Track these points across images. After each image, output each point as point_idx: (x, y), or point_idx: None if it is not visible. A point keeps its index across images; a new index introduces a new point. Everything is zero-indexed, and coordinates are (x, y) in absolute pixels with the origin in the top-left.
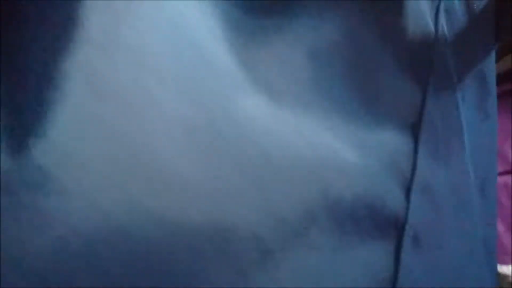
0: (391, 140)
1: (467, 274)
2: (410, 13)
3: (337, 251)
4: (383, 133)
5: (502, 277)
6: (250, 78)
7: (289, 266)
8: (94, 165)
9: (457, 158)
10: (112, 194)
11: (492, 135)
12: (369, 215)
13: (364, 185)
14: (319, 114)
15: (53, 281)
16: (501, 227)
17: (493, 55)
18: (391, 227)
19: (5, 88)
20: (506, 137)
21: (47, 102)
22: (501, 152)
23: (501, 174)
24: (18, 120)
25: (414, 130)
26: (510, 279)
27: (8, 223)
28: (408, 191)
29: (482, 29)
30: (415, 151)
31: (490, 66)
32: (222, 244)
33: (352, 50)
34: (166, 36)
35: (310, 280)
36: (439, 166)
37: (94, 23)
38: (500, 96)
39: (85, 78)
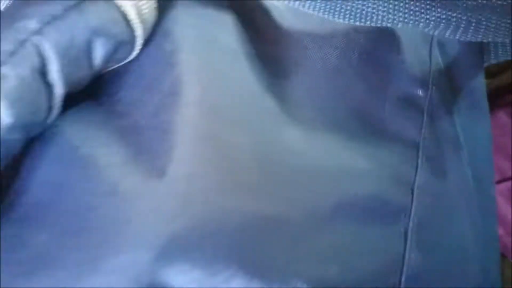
0: (395, 153)
1: (471, 257)
2: (408, 49)
3: (356, 233)
4: (389, 147)
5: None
6: (286, 114)
7: (319, 242)
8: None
9: (454, 163)
10: (220, 198)
11: (486, 130)
12: (380, 207)
13: (375, 187)
14: (340, 136)
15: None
16: None
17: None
18: (400, 216)
19: (129, 138)
20: None
21: (162, 147)
22: None
23: None
24: (137, 161)
25: (415, 144)
26: None
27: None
28: (412, 190)
29: (473, 54)
30: (416, 161)
31: (478, 78)
32: (276, 225)
33: (362, 83)
34: (234, 93)
35: (334, 254)
36: (438, 171)
37: (191, 90)
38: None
39: (189, 127)
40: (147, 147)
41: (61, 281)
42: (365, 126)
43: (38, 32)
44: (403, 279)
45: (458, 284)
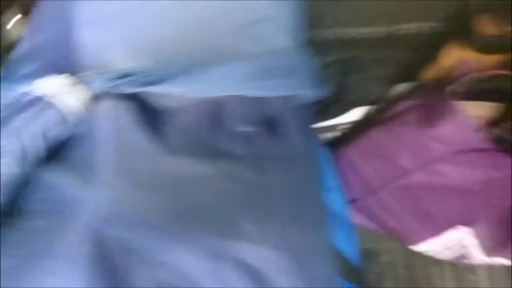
0: (229, 163)
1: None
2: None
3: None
4: (226, 161)
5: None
6: (166, 151)
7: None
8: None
9: (274, 167)
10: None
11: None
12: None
13: (215, 184)
14: (197, 158)
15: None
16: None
17: None
18: None
19: (77, 172)
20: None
21: (91, 173)
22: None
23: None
24: (83, 181)
25: (240, 157)
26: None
27: None
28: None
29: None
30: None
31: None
32: (163, 211)
33: (208, 129)
34: (135, 146)
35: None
36: (257, 168)
37: (106, 146)
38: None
39: (105, 162)
40: (85, 173)
41: (45, 245)
42: (211, 151)
43: (21, 128)
44: None
45: None
